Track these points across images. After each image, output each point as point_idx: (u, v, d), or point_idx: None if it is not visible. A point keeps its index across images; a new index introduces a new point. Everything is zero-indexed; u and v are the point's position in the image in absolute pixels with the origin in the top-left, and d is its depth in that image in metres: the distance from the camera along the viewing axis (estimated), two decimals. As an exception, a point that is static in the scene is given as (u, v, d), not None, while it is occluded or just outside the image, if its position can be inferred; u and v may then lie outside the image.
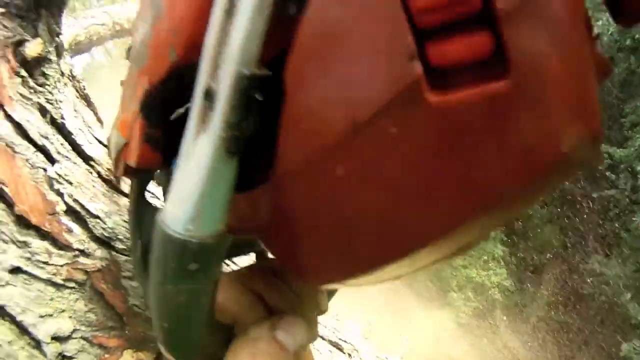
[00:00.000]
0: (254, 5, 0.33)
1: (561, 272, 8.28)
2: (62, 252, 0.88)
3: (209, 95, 0.36)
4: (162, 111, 0.50)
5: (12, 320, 0.84)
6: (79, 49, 2.48)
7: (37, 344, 0.83)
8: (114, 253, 0.95)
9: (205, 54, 0.37)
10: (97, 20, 2.47)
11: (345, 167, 0.30)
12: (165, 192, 0.67)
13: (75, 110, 1.12)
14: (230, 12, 0.37)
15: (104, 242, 0.96)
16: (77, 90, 1.23)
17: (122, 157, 0.60)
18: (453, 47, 0.25)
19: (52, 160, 0.95)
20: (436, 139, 0.25)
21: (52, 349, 0.84)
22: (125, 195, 1.07)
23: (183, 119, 0.48)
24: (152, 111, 0.51)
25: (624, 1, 0.34)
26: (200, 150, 0.37)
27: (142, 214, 0.67)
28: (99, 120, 1.27)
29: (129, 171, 0.61)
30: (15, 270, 0.85)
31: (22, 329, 0.84)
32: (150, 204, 0.70)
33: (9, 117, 0.94)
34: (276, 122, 0.36)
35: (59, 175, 0.94)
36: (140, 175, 0.66)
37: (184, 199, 0.37)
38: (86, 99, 1.26)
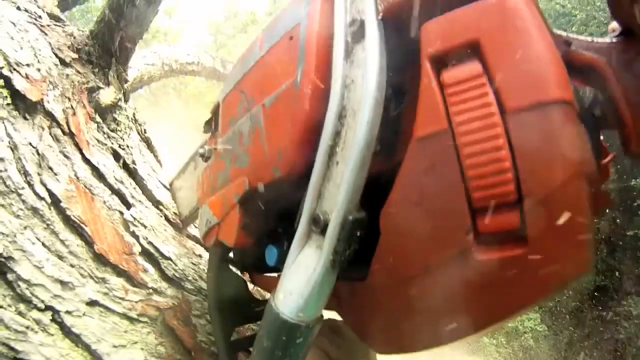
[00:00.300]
0: (356, 163, 0.45)
1: (596, 315, 7.88)
2: (137, 290, 0.95)
3: (316, 222, 0.50)
4: (258, 207, 0.65)
5: (87, 348, 0.90)
6: (131, 88, 2.65)
7: (110, 373, 0.90)
8: (184, 292, 1.02)
9: (310, 190, 0.51)
10: (147, 60, 2.64)
11: (417, 289, 0.44)
12: (241, 258, 0.81)
13: (142, 154, 1.21)
14: (332, 159, 0.50)
15: (175, 282, 1.03)
16: (139, 134, 1.33)
17: (214, 233, 0.75)
18: (494, 221, 0.38)
19: (127, 204, 1.04)
20: (479, 278, 0.39)
21: (124, 378, 0.90)
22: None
23: (273, 213, 0.65)
24: (250, 206, 0.66)
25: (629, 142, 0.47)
26: (308, 261, 0.51)
27: (223, 276, 0.84)
28: (159, 162, 1.36)
29: (218, 245, 0.75)
30: (92, 303, 0.92)
31: (96, 357, 0.90)
32: (229, 267, 0.84)
33: (87, 161, 1.03)
34: (368, 245, 0.49)
35: (135, 219, 1.02)
36: (225, 247, 0.79)
37: (296, 294, 0.51)
38: (147, 141, 1.36)
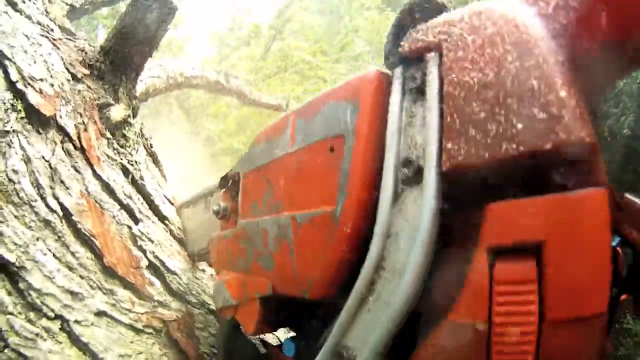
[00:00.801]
0: (394, 320, 0.45)
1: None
2: (143, 302, 0.98)
3: (339, 356, 0.50)
4: (279, 306, 0.68)
5: (94, 357, 0.93)
6: (138, 103, 2.70)
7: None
8: (188, 306, 1.05)
9: (337, 326, 0.51)
10: (152, 72, 2.69)
11: None
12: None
13: (148, 169, 1.25)
14: (364, 306, 0.50)
15: (180, 295, 1.06)
16: (145, 148, 1.37)
17: (230, 312, 0.78)
18: None
19: (135, 219, 1.07)
20: None
21: (129, 387, 0.93)
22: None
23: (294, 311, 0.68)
24: (271, 304, 0.69)
25: None
26: None
27: (234, 340, 0.87)
28: (164, 176, 1.40)
29: (232, 322, 0.79)
30: (100, 314, 0.95)
31: (103, 367, 0.93)
32: (241, 333, 0.85)
33: (97, 176, 1.07)
34: None
35: (142, 233, 1.06)
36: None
37: None
38: (153, 156, 1.39)
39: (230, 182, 0.86)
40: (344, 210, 0.51)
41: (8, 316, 0.92)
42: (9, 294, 0.93)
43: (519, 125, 0.39)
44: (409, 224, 0.46)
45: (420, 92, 0.49)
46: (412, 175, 0.47)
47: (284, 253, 0.62)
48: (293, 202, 0.61)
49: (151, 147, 1.40)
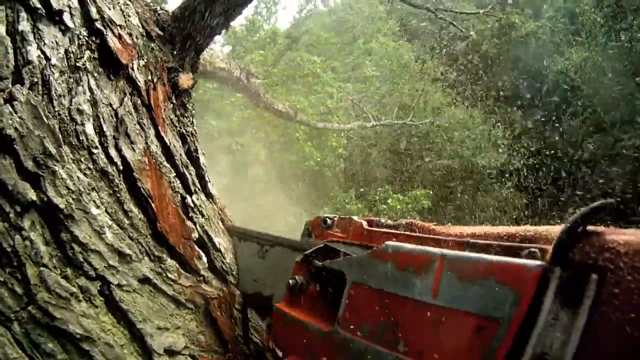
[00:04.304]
0: None
1: None
2: (188, 275, 0.89)
3: None
4: None
5: (130, 326, 0.83)
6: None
7: (145, 353, 0.82)
8: (229, 285, 0.97)
9: None
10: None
11: None
12: None
13: (200, 144, 1.18)
14: None
15: (221, 274, 0.97)
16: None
17: None
18: None
19: (189, 190, 0.99)
20: None
21: (160, 360, 0.84)
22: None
23: None
24: None
25: None
26: None
27: None
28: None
29: None
30: (144, 281, 0.85)
31: (137, 337, 0.83)
32: None
33: (160, 138, 0.98)
34: None
35: (195, 205, 0.97)
36: None
37: None
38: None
39: (322, 267, 0.81)
40: None
41: (42, 268, 0.81)
42: (47, 243, 0.82)
43: None
44: None
45: (571, 302, 0.53)
46: None
47: None
48: (420, 354, 0.62)
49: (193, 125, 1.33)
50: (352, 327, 0.72)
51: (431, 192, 7.04)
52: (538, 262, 0.55)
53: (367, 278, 0.72)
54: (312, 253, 0.82)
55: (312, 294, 0.82)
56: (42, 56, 0.86)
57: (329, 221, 0.81)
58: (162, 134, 0.97)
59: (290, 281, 0.82)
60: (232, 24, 1.41)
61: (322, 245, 0.80)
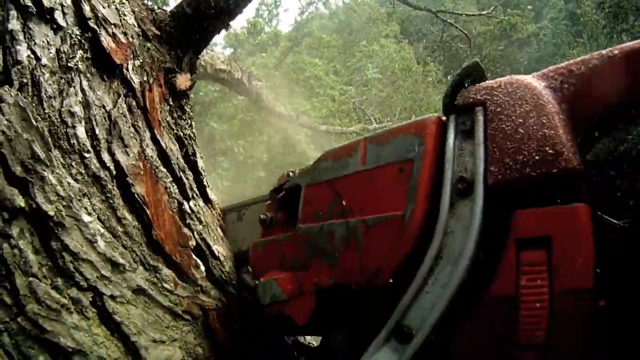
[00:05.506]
0: (450, 298, 0.59)
1: None
2: (185, 285, 0.84)
3: (398, 331, 0.61)
4: (333, 299, 0.76)
5: (123, 339, 0.78)
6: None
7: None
8: (228, 296, 0.92)
9: (400, 306, 0.62)
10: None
11: None
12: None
13: (199, 148, 1.14)
14: (423, 289, 0.62)
15: (220, 283, 0.92)
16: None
17: (279, 308, 0.82)
18: None
19: (186, 195, 0.94)
20: None
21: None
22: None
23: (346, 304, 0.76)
24: (325, 296, 0.77)
25: None
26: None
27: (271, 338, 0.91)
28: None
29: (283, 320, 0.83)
30: (139, 291, 0.80)
31: (132, 351, 0.78)
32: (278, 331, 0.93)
33: (155, 141, 0.94)
34: None
35: (192, 212, 0.92)
36: None
37: None
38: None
39: (283, 193, 0.92)
40: (412, 214, 0.67)
41: (31, 278, 0.77)
42: (36, 252, 0.78)
43: (536, 157, 0.59)
44: (462, 224, 0.62)
45: (468, 133, 0.67)
46: (465, 189, 0.63)
47: (352, 250, 0.74)
48: (363, 209, 0.74)
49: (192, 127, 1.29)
50: (308, 219, 0.84)
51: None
52: (435, 114, 0.72)
53: (315, 178, 0.85)
54: (276, 188, 0.94)
55: (280, 220, 0.93)
56: (32, 56, 0.82)
57: (291, 174, 0.92)
58: (158, 137, 0.92)
59: (262, 216, 0.92)
60: (233, 26, 1.37)
61: (284, 182, 0.93)
